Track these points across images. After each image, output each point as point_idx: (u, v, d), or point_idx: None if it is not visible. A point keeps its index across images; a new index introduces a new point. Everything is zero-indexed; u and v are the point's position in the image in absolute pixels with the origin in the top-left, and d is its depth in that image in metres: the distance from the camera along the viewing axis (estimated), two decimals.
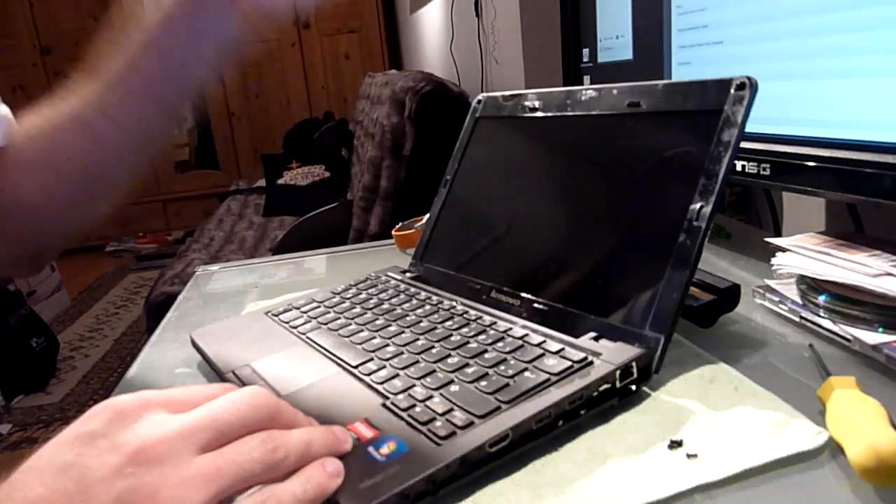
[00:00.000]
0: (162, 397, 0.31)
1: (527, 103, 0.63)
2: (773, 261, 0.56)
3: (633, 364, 0.43)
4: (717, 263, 0.71)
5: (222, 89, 4.11)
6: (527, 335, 0.48)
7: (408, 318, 0.54)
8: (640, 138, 0.52)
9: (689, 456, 0.37)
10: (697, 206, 0.45)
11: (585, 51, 0.90)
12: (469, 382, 0.42)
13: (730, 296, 0.55)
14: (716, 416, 0.41)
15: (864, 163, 0.51)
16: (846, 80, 0.54)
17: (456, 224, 0.67)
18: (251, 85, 4.14)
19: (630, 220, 0.51)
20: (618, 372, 0.42)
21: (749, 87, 0.45)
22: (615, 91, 0.54)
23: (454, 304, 0.56)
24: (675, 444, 0.38)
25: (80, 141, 0.54)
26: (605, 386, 0.42)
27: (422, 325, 0.52)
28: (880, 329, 0.47)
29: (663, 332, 0.43)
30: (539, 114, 0.61)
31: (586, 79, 0.91)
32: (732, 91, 0.46)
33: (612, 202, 0.53)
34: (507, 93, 0.66)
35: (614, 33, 0.83)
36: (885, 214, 0.65)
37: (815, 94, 0.57)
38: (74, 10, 4.03)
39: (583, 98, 0.57)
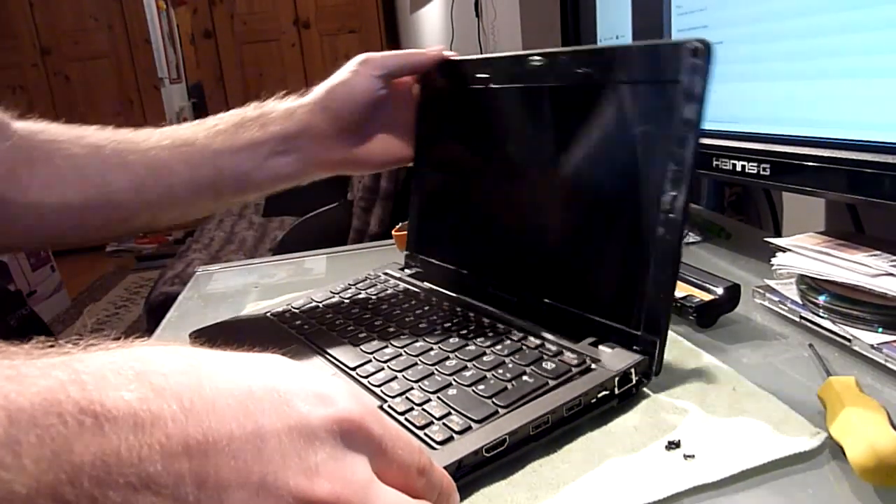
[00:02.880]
0: (387, 438, 0.26)
1: (477, 74, 0.58)
2: (773, 261, 0.56)
3: (632, 370, 0.43)
4: (717, 263, 0.70)
5: (222, 90, 4.11)
6: (525, 338, 0.48)
7: (406, 320, 0.54)
8: (597, 118, 0.48)
9: (686, 457, 0.37)
10: (670, 196, 0.42)
11: None
12: (467, 386, 0.42)
13: (730, 296, 0.55)
14: (714, 417, 0.41)
15: (864, 163, 0.51)
16: (846, 80, 0.54)
17: (434, 210, 0.65)
18: (251, 85, 4.14)
19: (604, 217, 0.48)
20: (616, 378, 0.42)
21: (704, 52, 0.39)
22: (565, 57, 0.50)
23: (453, 304, 0.56)
24: (672, 445, 0.38)
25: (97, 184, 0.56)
26: (604, 392, 0.42)
27: (420, 326, 0.52)
28: (880, 329, 0.47)
29: (658, 335, 0.43)
30: (491, 85, 0.57)
31: None
32: (687, 58, 0.40)
33: (581, 197, 0.50)
34: (457, 57, 0.62)
35: (614, 33, 0.83)
36: (885, 214, 0.65)
37: (815, 94, 0.57)
38: (74, 10, 4.02)
39: (532, 65, 0.52)
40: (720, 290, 0.55)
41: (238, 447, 0.21)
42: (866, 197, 0.51)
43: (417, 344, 0.49)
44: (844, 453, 0.35)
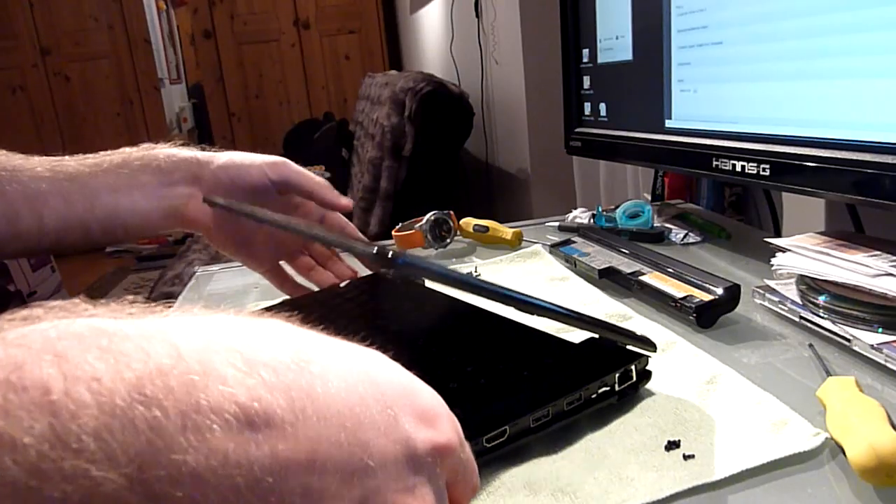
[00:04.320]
0: (466, 462, 0.27)
1: None
2: (773, 261, 0.56)
3: (633, 368, 0.43)
4: (717, 263, 0.70)
5: (222, 90, 4.11)
6: (526, 335, 0.48)
7: (408, 318, 0.54)
8: None
9: (686, 457, 0.37)
10: None
11: (585, 51, 0.90)
12: (468, 381, 0.42)
13: (730, 296, 0.55)
14: (714, 417, 0.41)
15: (863, 163, 0.51)
16: (846, 80, 0.54)
17: None
18: (251, 85, 4.14)
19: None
20: (617, 375, 0.42)
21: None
22: None
23: (454, 303, 0.56)
24: (672, 445, 0.38)
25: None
26: (604, 388, 0.42)
27: (421, 326, 0.52)
28: (880, 329, 0.47)
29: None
30: None
31: (586, 79, 0.91)
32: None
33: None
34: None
35: (614, 34, 0.83)
36: (885, 214, 0.65)
37: (815, 94, 0.57)
38: (74, 10, 4.02)
39: None
40: (720, 290, 0.55)
41: (345, 459, 0.21)
42: (866, 197, 0.51)
43: (419, 342, 0.49)
44: (844, 453, 0.35)
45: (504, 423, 0.37)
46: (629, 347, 0.44)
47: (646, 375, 0.44)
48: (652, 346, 0.44)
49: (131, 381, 0.18)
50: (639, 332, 0.44)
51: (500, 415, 0.38)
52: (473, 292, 0.38)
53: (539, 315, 0.40)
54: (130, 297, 0.22)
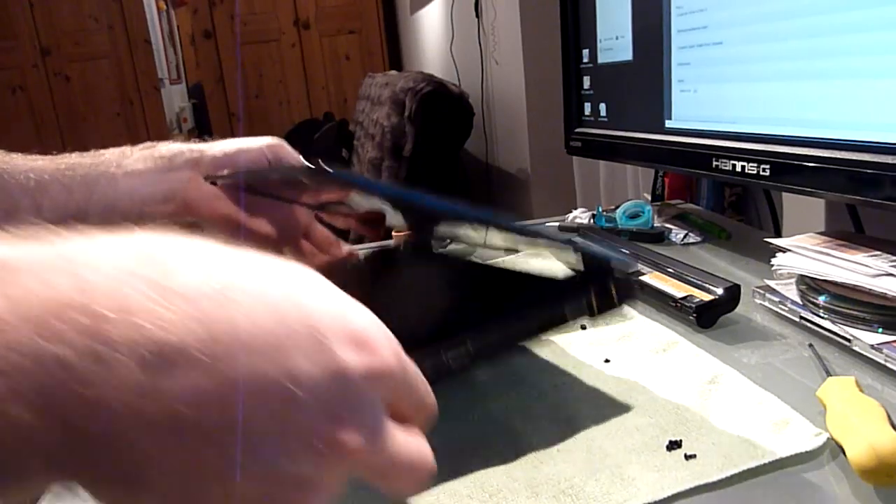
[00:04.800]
0: (410, 379, 0.25)
1: None
2: (773, 261, 0.56)
3: (612, 287, 0.42)
4: (717, 263, 0.71)
5: (222, 90, 4.11)
6: (509, 276, 0.48)
7: (406, 288, 0.54)
8: None
9: (687, 457, 0.37)
10: None
11: (585, 51, 0.90)
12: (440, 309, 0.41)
13: (730, 296, 0.55)
14: (715, 417, 0.41)
15: (863, 163, 0.51)
16: (846, 80, 0.54)
17: None
18: (251, 85, 4.13)
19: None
20: (594, 293, 0.41)
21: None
22: None
23: (454, 268, 0.56)
24: (673, 445, 0.38)
25: None
26: (579, 305, 0.41)
27: (421, 293, 0.52)
28: (880, 329, 0.47)
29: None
30: None
31: (586, 79, 0.91)
32: None
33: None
34: None
35: (614, 34, 0.83)
36: (885, 214, 0.65)
37: (815, 94, 0.57)
38: (74, 10, 4.02)
39: None
40: (720, 290, 0.55)
41: (268, 388, 0.20)
42: (865, 197, 0.51)
43: (417, 304, 0.49)
44: (844, 453, 0.35)
45: (464, 331, 0.35)
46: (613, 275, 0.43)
47: (628, 293, 0.43)
48: (632, 266, 0.43)
49: (33, 318, 0.17)
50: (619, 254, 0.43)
51: (461, 326, 0.36)
52: (405, 206, 0.37)
53: (486, 227, 0.39)
54: (30, 218, 0.21)
